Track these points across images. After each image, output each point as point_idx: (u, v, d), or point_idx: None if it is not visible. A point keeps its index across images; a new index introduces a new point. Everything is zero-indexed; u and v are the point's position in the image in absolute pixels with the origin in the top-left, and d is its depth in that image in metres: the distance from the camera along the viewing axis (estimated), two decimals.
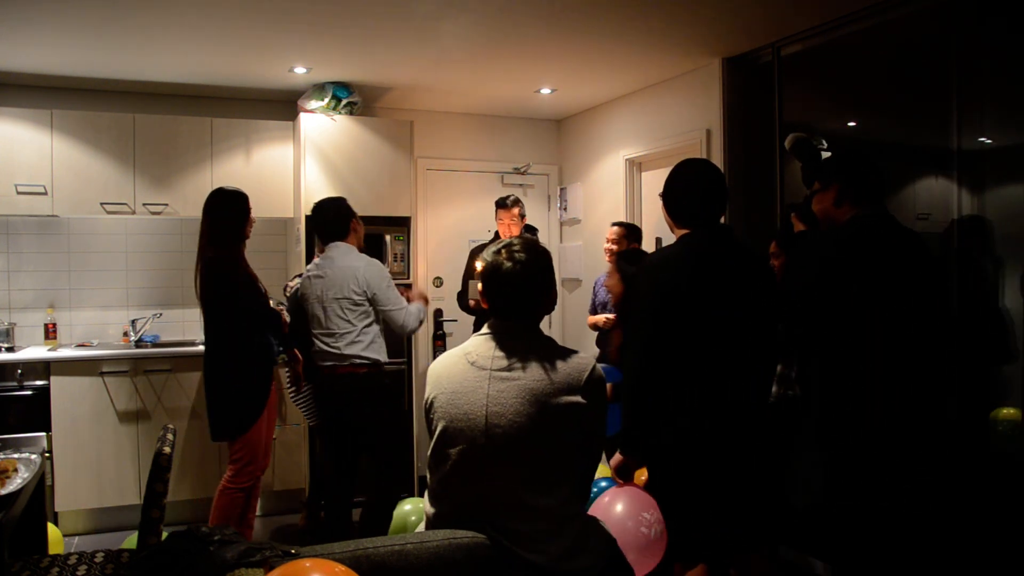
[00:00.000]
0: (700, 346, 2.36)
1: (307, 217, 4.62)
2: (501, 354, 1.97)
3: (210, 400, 3.48)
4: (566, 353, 2.00)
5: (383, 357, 3.57)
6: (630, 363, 2.38)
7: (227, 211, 3.41)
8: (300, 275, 3.90)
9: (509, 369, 1.94)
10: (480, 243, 4.82)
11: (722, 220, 2.52)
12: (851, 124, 4.03)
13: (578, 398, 1.93)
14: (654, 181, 4.91)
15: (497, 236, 4.60)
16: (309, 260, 4.62)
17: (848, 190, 2.48)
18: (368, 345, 3.49)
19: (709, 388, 2.36)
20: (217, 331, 3.44)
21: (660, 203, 2.55)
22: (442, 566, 1.74)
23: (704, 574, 2.47)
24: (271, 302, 3.64)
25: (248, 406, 3.42)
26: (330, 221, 3.58)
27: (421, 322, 3.59)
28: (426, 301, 3.81)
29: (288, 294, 3.98)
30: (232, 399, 3.42)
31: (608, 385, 2.23)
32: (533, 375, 1.93)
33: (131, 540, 3.24)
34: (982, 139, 3.07)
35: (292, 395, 4.08)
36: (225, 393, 3.42)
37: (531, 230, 4.70)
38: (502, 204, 4.55)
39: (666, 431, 2.38)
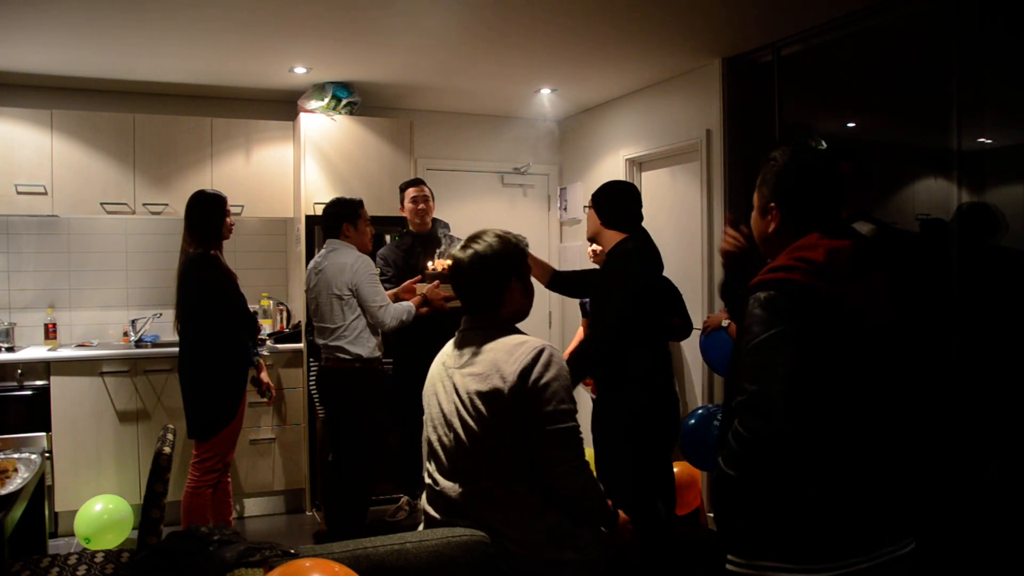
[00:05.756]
0: (661, 324, 3.01)
1: (307, 217, 4.64)
2: (459, 351, 2.03)
3: (188, 398, 3.52)
4: (517, 341, 1.97)
5: (366, 352, 3.62)
6: (603, 334, 2.85)
7: (204, 213, 3.52)
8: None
9: (462, 366, 2.00)
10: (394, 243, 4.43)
11: None
12: (851, 124, 4.04)
13: (513, 384, 1.89)
14: (655, 181, 4.91)
15: (406, 227, 4.29)
16: (309, 260, 4.62)
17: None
18: (354, 340, 3.60)
19: (667, 358, 3.02)
20: (196, 329, 3.48)
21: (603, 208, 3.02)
22: (441, 564, 1.74)
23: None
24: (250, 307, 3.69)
25: (224, 406, 3.47)
26: (323, 219, 3.84)
27: (402, 322, 3.62)
28: (425, 304, 3.79)
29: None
30: (210, 398, 3.46)
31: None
32: (479, 368, 1.95)
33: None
34: (982, 139, 3.07)
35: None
36: (203, 392, 3.47)
37: (444, 225, 4.37)
38: (411, 183, 4.23)
39: (646, 393, 2.87)
